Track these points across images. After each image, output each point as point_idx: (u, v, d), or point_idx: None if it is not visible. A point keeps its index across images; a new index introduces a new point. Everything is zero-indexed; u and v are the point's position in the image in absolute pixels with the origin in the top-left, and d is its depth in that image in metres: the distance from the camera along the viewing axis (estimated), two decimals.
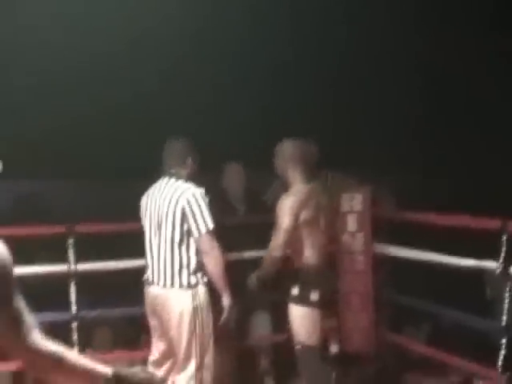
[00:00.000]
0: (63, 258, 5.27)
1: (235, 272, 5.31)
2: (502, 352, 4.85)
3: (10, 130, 7.68)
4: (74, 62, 8.11)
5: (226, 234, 4.99)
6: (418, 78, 9.10)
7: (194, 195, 4.61)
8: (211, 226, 4.60)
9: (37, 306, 5.63)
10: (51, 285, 5.53)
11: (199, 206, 4.59)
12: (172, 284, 4.65)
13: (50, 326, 5.63)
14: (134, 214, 4.96)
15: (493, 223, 4.84)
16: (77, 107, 8.15)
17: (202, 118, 8.46)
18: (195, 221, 4.59)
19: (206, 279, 4.70)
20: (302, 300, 5.08)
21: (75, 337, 5.34)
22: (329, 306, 5.30)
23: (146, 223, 4.78)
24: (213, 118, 8.50)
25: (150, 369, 4.85)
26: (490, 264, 4.89)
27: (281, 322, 5.55)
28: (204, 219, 4.58)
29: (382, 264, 5.97)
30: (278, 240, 4.99)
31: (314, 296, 5.06)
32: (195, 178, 4.78)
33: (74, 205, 7.88)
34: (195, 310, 4.62)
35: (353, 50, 8.95)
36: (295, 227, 4.99)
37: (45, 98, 8.05)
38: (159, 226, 4.67)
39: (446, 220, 5.29)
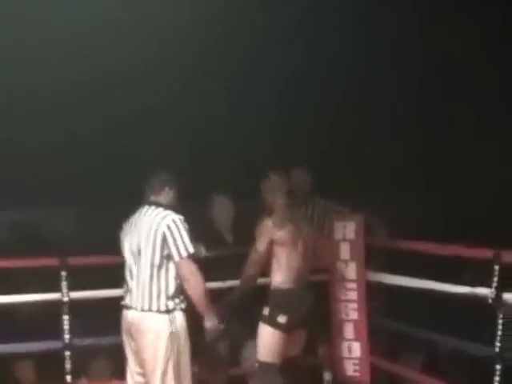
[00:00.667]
0: (55, 283, 5.33)
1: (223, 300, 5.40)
2: (497, 379, 4.86)
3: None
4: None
5: (214, 263, 5.12)
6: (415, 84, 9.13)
7: (173, 221, 4.70)
8: (191, 250, 4.68)
9: (29, 334, 5.68)
10: (44, 313, 5.57)
11: (179, 230, 4.67)
12: (149, 308, 4.68)
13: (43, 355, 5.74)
14: None
15: (485, 253, 4.87)
16: (73, 131, 8.13)
17: (197, 144, 8.47)
18: (176, 245, 4.66)
19: (183, 305, 4.72)
20: (270, 321, 5.20)
21: (68, 365, 5.35)
22: (302, 331, 5.38)
23: (126, 250, 4.84)
24: (211, 142, 8.50)
25: None
26: (484, 291, 4.91)
27: None
28: (184, 244, 4.66)
29: (375, 292, 5.97)
30: (250, 259, 5.24)
31: (282, 319, 5.19)
32: (176, 208, 4.86)
33: (69, 233, 7.89)
34: (172, 335, 4.63)
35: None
36: (268, 247, 5.22)
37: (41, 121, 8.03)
38: (139, 252, 4.73)
39: (438, 249, 5.31)
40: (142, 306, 4.69)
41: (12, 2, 7.47)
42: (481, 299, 4.94)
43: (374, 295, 5.94)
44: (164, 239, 4.66)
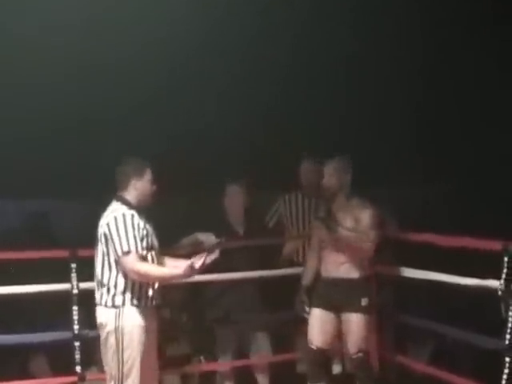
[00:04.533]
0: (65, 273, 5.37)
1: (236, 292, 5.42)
2: (506, 371, 4.85)
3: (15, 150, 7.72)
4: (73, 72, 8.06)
5: (225, 255, 5.10)
6: (422, 84, 9.11)
7: (115, 218, 4.60)
8: (127, 248, 4.54)
9: (39, 324, 5.69)
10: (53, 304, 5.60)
11: (117, 229, 4.56)
12: (100, 302, 4.67)
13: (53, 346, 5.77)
14: None
15: (494, 245, 4.85)
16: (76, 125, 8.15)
17: (205, 137, 8.46)
18: (113, 243, 4.57)
19: (136, 301, 4.62)
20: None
21: (78, 356, 5.37)
22: None
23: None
24: (216, 137, 8.48)
25: None
26: (493, 283, 4.89)
27: (281, 341, 5.63)
28: (121, 242, 4.55)
29: (385, 284, 5.97)
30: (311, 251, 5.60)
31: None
32: (145, 201, 4.72)
33: (78, 226, 7.89)
34: (117, 330, 4.58)
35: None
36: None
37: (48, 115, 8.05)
38: (96, 248, 4.72)
39: (447, 241, 5.30)
40: (97, 300, 4.70)
41: None
42: (490, 291, 4.93)
43: (384, 287, 5.95)
44: (105, 237, 4.61)
